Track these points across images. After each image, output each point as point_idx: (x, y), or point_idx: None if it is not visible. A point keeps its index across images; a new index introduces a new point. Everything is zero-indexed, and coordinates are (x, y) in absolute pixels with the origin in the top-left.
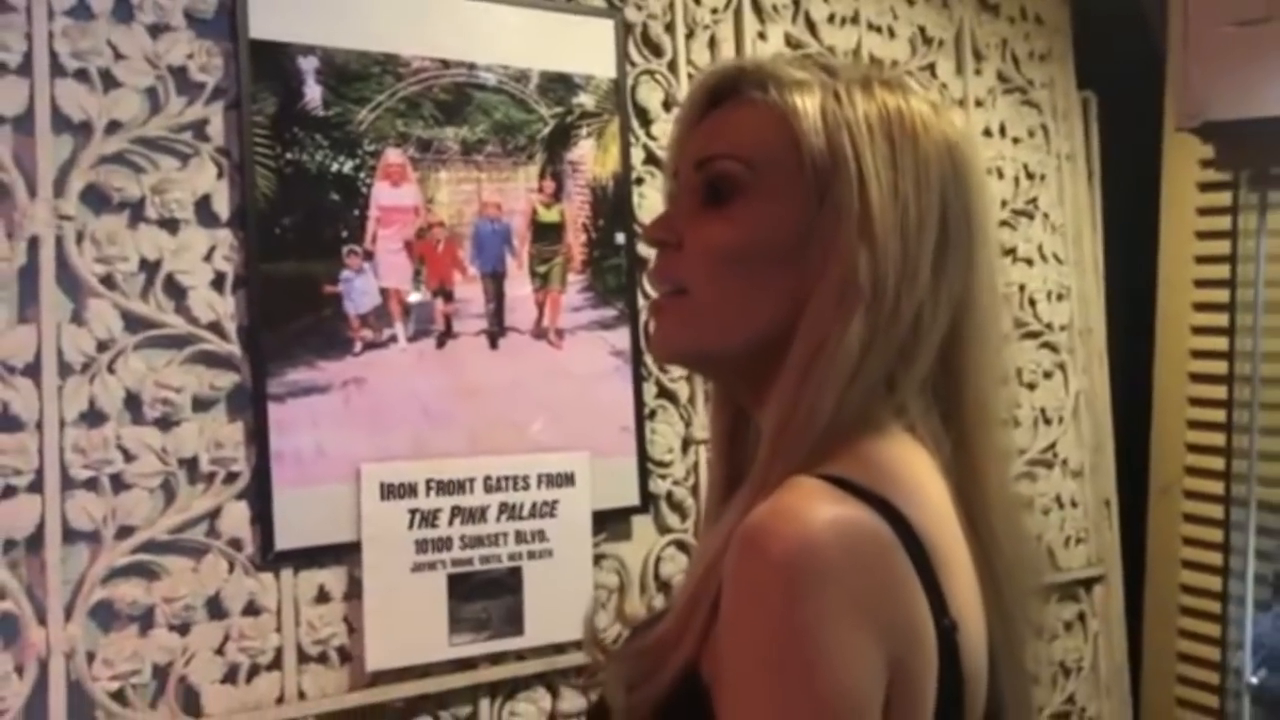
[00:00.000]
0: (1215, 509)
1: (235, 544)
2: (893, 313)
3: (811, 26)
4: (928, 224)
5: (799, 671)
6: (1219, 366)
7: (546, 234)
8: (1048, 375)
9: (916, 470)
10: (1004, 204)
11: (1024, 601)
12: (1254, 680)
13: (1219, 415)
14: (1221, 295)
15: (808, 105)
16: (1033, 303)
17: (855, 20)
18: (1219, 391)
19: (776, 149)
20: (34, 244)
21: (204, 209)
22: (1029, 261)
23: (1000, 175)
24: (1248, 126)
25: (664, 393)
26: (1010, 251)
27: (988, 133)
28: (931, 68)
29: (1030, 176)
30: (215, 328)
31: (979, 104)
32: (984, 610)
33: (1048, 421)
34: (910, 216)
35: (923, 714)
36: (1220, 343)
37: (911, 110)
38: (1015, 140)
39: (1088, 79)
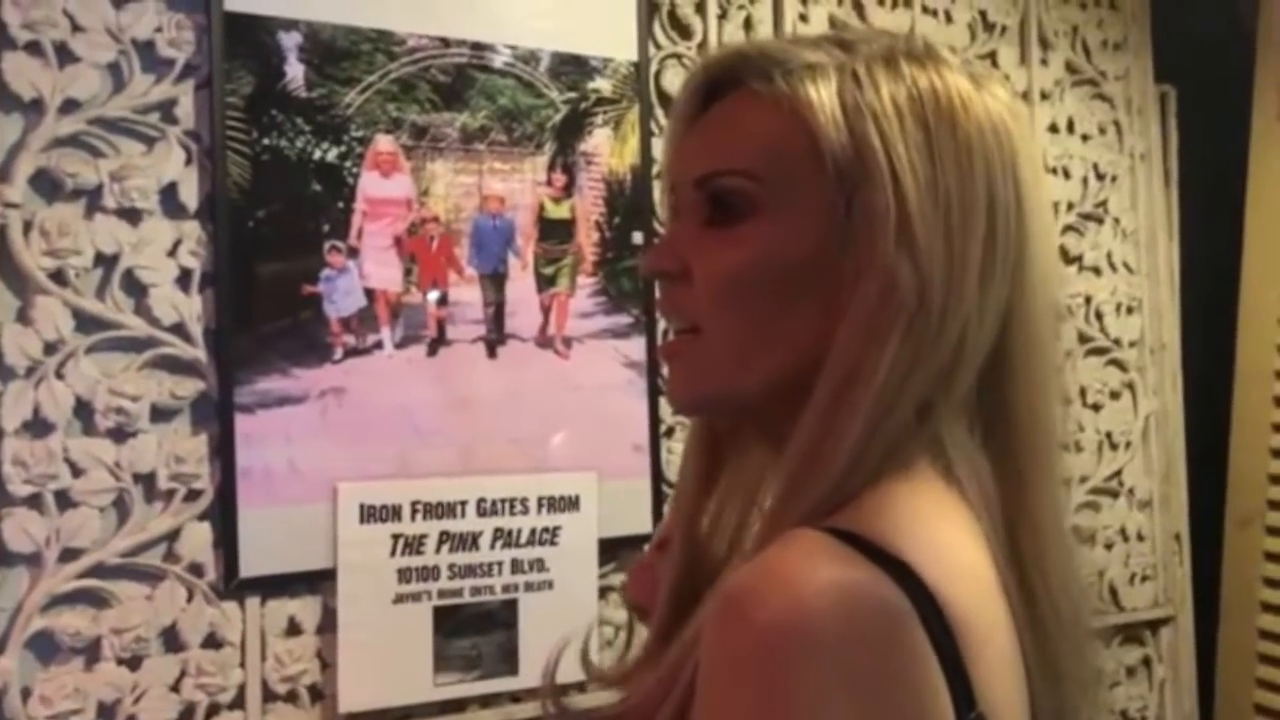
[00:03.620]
0: None
1: (195, 569)
2: (939, 329)
3: (860, 8)
4: (974, 220)
5: None
6: None
7: (555, 232)
8: (1115, 396)
9: (949, 525)
10: (1070, 207)
11: (1081, 686)
12: None
13: None
14: None
15: (823, 93)
16: (1100, 316)
17: (908, 2)
18: None
19: (789, 152)
20: None
21: (169, 199)
22: (1096, 270)
23: (1067, 175)
24: None
25: None
26: (1076, 259)
27: (1054, 128)
28: (993, 56)
29: (1100, 177)
30: (179, 330)
31: (1045, 97)
32: (1029, 695)
33: (1114, 446)
34: (954, 214)
35: None
36: None
37: (948, 87)
38: (1084, 137)
39: (1167, 71)
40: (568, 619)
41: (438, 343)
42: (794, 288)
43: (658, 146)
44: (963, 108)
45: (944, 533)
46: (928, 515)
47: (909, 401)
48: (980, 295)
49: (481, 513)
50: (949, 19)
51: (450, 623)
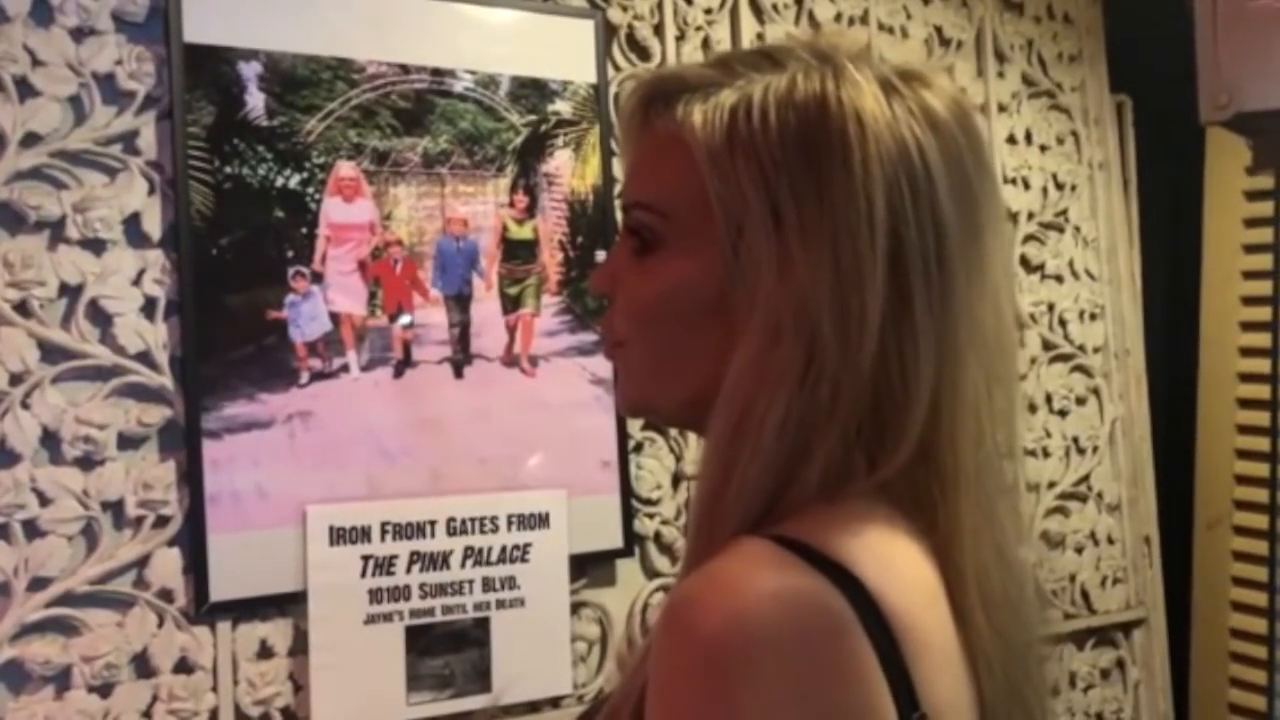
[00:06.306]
0: (1268, 546)
1: (166, 595)
2: (845, 369)
3: (816, 27)
4: (867, 264)
5: None
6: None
7: (518, 252)
8: (1080, 401)
9: (891, 536)
10: (1031, 216)
11: (1022, 691)
12: None
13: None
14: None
15: (713, 132)
16: (1063, 323)
17: (865, 20)
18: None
19: (687, 190)
20: None
21: (133, 228)
22: (1059, 279)
23: (1026, 186)
24: None
25: (651, 423)
26: (1038, 268)
27: (1012, 140)
28: (950, 70)
29: (1059, 187)
30: (145, 358)
31: (1002, 109)
32: (979, 698)
33: (1081, 451)
34: (844, 256)
35: None
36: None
37: (844, 109)
38: (1043, 148)
39: (1122, 82)
40: (540, 636)
41: (404, 364)
42: (699, 321)
43: (618, 166)
44: (859, 130)
45: (886, 542)
46: (872, 527)
47: (830, 437)
48: (895, 334)
49: (451, 532)
50: (905, 35)
51: (422, 642)
